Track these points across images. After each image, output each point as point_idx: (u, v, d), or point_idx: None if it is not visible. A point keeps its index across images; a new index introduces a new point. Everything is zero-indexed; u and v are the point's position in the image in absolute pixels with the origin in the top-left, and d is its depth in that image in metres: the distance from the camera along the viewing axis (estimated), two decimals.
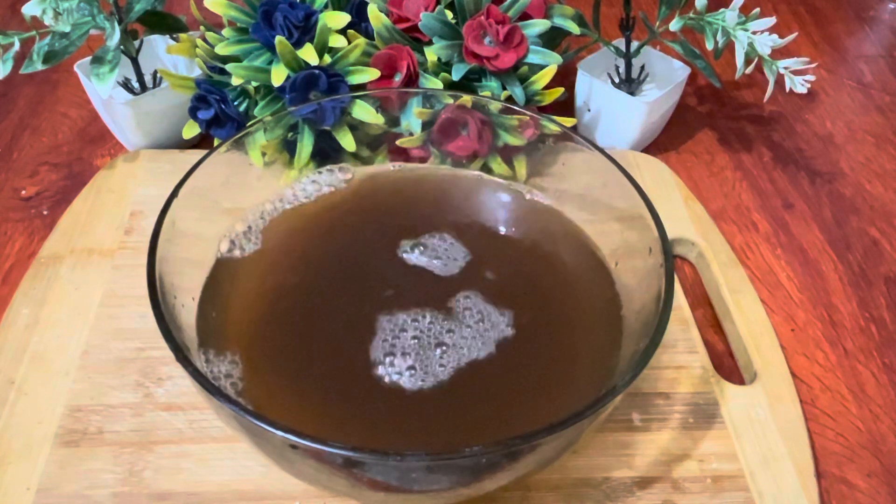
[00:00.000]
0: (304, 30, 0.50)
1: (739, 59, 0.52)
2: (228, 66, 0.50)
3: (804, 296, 0.52)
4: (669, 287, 0.34)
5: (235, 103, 0.52)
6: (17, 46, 0.50)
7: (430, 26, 0.51)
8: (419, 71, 0.52)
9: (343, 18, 0.50)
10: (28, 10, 0.49)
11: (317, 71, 0.49)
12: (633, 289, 0.38)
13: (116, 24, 0.51)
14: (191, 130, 0.54)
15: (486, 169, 0.48)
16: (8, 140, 0.62)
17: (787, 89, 0.52)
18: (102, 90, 0.52)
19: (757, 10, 0.52)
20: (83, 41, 0.52)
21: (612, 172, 0.39)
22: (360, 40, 0.51)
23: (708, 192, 0.60)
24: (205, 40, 0.52)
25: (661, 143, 0.64)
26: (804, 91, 0.51)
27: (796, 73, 0.52)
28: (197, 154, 0.56)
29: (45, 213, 0.55)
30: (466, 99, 0.46)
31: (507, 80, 0.53)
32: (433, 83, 0.52)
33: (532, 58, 0.52)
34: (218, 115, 0.52)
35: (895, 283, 0.53)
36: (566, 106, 0.62)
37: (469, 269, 0.42)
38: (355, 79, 0.51)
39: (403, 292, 0.40)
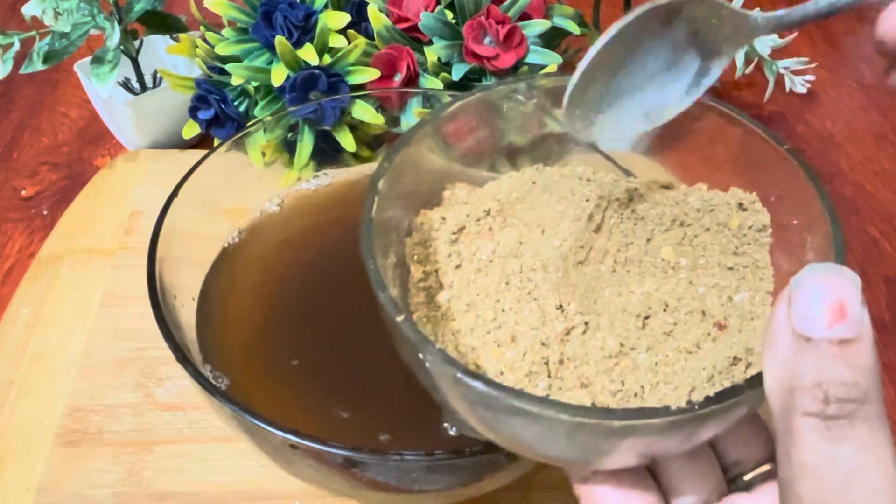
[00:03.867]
0: (304, 30, 0.50)
1: (739, 59, 0.52)
2: (228, 66, 0.50)
3: None
4: None
5: (235, 103, 0.52)
6: (17, 46, 0.50)
7: (430, 26, 0.51)
8: (419, 71, 0.52)
9: (343, 18, 0.50)
10: (28, 10, 0.49)
11: (317, 71, 0.49)
12: None
13: (116, 24, 0.51)
14: (191, 130, 0.54)
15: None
16: (8, 140, 0.62)
17: (787, 89, 0.52)
18: (102, 90, 0.52)
19: (757, 10, 0.52)
20: (83, 41, 0.52)
21: (613, 172, 0.39)
22: (360, 40, 0.51)
23: None
24: (205, 40, 0.52)
25: (661, 144, 0.63)
26: (804, 91, 0.51)
27: (796, 73, 0.52)
28: (197, 154, 0.56)
29: (45, 213, 0.55)
30: None
31: None
32: (433, 83, 0.52)
33: (532, 58, 0.52)
34: (218, 115, 0.52)
35: (895, 283, 0.53)
36: None
37: None
38: (355, 79, 0.51)
39: None
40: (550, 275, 0.26)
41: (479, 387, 0.21)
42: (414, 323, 0.23)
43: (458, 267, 0.28)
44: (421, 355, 0.23)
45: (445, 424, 0.33)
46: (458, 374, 0.22)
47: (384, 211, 0.26)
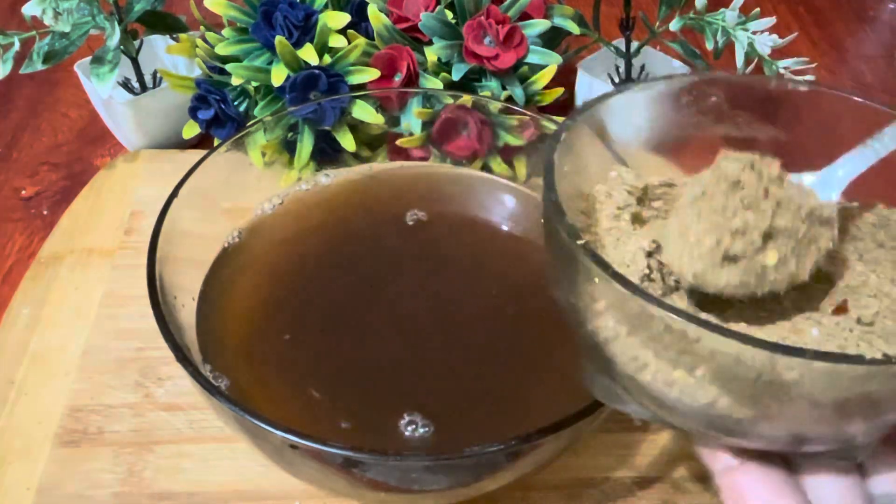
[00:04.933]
0: (304, 30, 0.50)
1: (739, 59, 0.52)
2: (228, 66, 0.50)
3: None
4: None
5: (235, 103, 0.52)
6: (17, 46, 0.50)
7: (430, 26, 0.51)
8: (419, 71, 0.53)
9: (343, 18, 0.50)
10: (28, 10, 0.49)
11: (317, 71, 0.49)
12: None
13: (116, 24, 0.52)
14: (191, 130, 0.54)
15: (486, 169, 0.48)
16: (8, 140, 0.62)
17: None
18: (102, 90, 0.52)
19: (757, 10, 0.52)
20: (83, 41, 0.52)
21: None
22: (360, 40, 0.51)
23: None
24: (205, 40, 0.52)
25: (661, 144, 0.63)
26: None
27: (796, 73, 0.52)
28: (197, 154, 0.56)
29: (45, 213, 0.55)
30: (466, 99, 0.46)
31: (507, 80, 0.53)
32: (433, 83, 0.52)
33: (532, 58, 0.52)
34: (218, 115, 0.52)
35: None
36: (566, 106, 0.61)
37: (470, 270, 0.42)
38: (355, 79, 0.51)
39: (402, 285, 0.40)
40: None
41: (682, 320, 0.21)
42: (595, 249, 0.23)
43: (618, 240, 0.28)
44: (616, 287, 0.22)
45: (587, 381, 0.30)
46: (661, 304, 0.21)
47: (562, 168, 0.27)
